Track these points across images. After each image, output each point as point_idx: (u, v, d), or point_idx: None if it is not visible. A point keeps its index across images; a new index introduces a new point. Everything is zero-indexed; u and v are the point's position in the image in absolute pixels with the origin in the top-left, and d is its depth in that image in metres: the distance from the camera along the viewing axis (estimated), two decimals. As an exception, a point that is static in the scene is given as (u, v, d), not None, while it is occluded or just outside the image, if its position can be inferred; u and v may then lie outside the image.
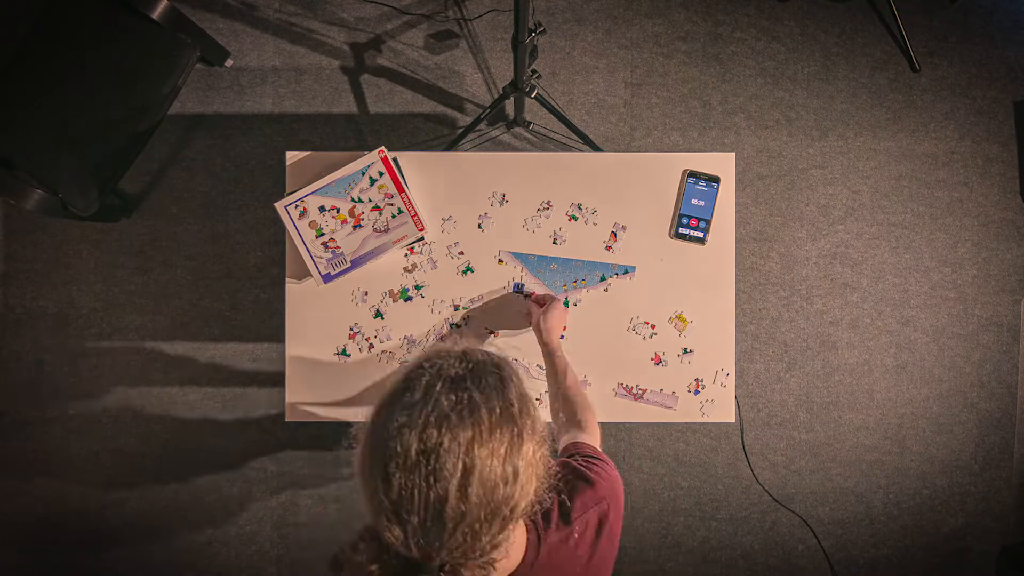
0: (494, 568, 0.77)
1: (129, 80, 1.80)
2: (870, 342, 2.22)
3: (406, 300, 1.51)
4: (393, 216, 1.46)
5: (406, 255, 1.51)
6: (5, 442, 2.21)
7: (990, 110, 2.23)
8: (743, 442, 2.20)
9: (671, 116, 2.22)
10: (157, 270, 2.20)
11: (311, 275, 1.47)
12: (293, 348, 1.51)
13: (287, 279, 1.51)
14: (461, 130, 2.09)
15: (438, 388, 0.74)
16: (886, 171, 2.23)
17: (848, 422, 2.23)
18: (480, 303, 1.50)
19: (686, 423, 2.19)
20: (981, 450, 2.24)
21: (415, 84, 2.21)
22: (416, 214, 1.46)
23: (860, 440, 2.23)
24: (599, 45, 2.22)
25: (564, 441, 1.15)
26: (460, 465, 0.70)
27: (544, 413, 1.42)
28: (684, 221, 1.50)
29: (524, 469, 0.74)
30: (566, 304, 1.50)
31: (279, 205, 1.45)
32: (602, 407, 1.49)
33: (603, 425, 1.20)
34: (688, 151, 2.14)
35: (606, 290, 1.50)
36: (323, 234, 1.46)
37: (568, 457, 1.04)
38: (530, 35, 1.55)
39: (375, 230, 1.46)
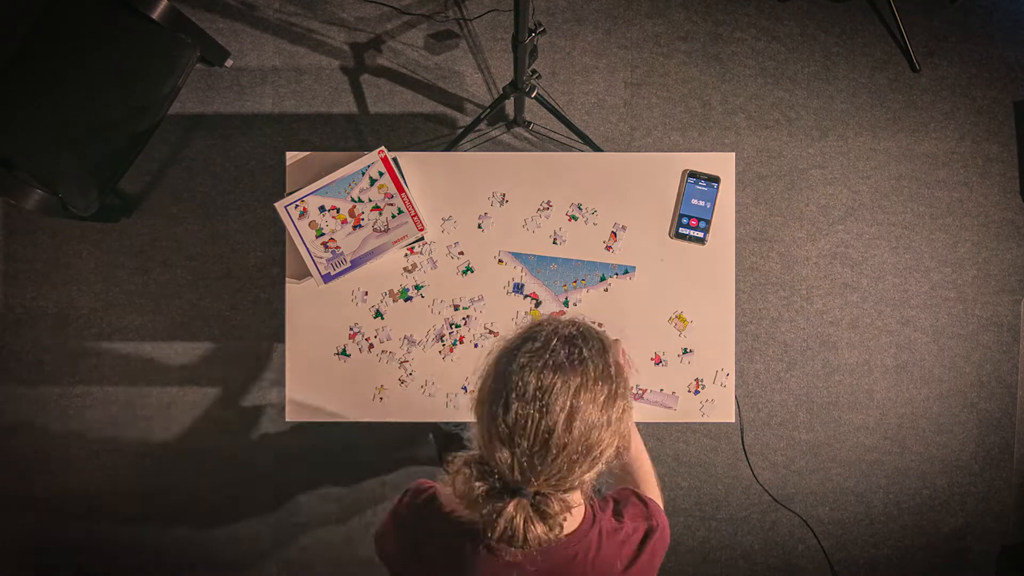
0: (570, 511, 0.89)
1: (129, 80, 1.80)
2: (870, 342, 2.22)
3: (406, 300, 1.51)
4: (393, 216, 1.46)
5: (406, 255, 1.51)
6: (5, 442, 2.21)
7: (990, 110, 2.23)
8: (743, 442, 2.20)
9: (671, 116, 2.22)
10: (157, 270, 2.20)
11: (311, 275, 1.47)
12: (293, 348, 1.51)
13: (287, 279, 1.51)
14: (461, 130, 2.09)
15: (555, 341, 0.88)
16: (886, 171, 2.23)
17: (848, 422, 2.23)
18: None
19: (686, 423, 2.19)
20: (981, 450, 2.24)
21: (415, 84, 2.21)
22: (416, 214, 1.46)
23: (860, 440, 2.23)
24: (599, 45, 2.22)
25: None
26: (568, 404, 0.83)
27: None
28: (684, 221, 1.50)
29: (615, 421, 0.87)
30: (565, 304, 1.50)
31: (279, 205, 1.45)
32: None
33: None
34: (688, 151, 2.14)
35: (606, 290, 1.50)
36: (323, 234, 1.46)
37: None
38: (530, 35, 1.55)
39: (375, 230, 1.46)
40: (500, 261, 1.51)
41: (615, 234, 1.51)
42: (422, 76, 2.21)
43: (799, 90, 2.23)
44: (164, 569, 2.22)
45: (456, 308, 1.51)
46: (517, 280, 1.51)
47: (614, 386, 0.88)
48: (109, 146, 1.79)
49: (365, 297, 1.51)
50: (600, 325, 1.48)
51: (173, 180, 2.20)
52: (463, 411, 1.50)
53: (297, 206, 1.45)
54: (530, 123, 2.17)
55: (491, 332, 1.50)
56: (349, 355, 1.51)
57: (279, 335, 2.17)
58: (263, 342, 2.19)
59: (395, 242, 1.46)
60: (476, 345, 1.50)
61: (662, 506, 1.15)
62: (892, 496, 2.24)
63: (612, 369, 0.89)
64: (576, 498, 0.92)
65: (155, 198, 2.20)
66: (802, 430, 2.23)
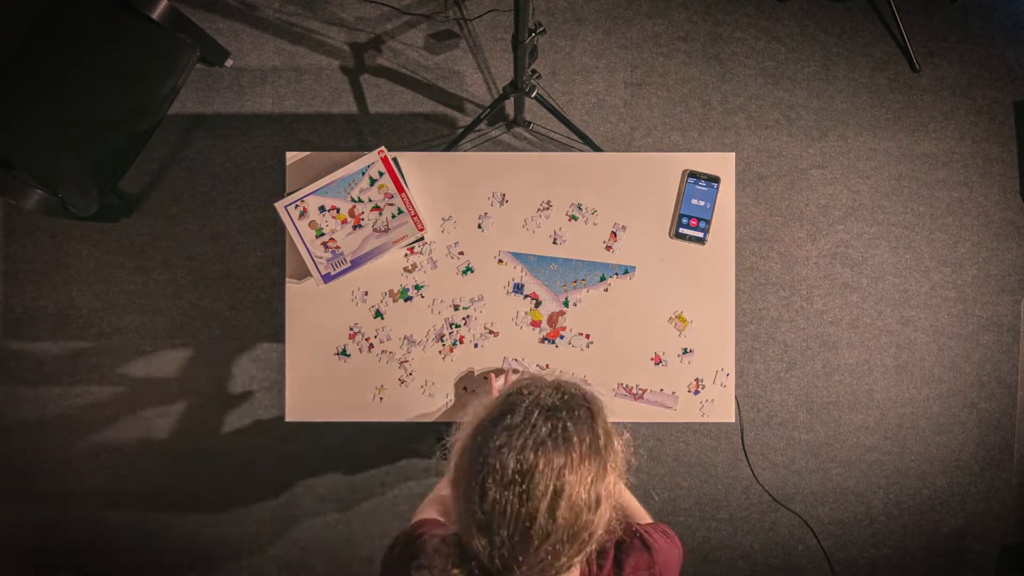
0: None
1: (129, 80, 1.80)
2: (870, 342, 2.22)
3: (406, 300, 1.51)
4: (393, 216, 1.46)
5: (406, 255, 1.51)
6: (5, 442, 2.21)
7: (990, 110, 2.23)
8: (743, 442, 2.20)
9: (671, 116, 2.22)
10: (157, 270, 2.20)
11: (311, 275, 1.47)
12: (293, 348, 1.51)
13: (287, 279, 1.51)
14: (461, 130, 2.09)
15: (536, 415, 0.79)
16: (886, 171, 2.23)
17: (848, 422, 2.23)
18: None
19: (686, 423, 2.19)
20: (981, 450, 2.24)
21: (415, 84, 2.21)
22: (416, 214, 1.46)
23: (860, 440, 2.23)
24: (599, 45, 2.22)
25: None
26: (551, 487, 0.75)
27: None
28: (684, 221, 1.50)
29: (605, 499, 0.79)
30: (565, 304, 1.50)
31: (279, 205, 1.45)
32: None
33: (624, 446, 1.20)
34: (688, 151, 2.14)
35: (606, 290, 1.50)
36: (323, 234, 1.46)
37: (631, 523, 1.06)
38: (530, 35, 1.55)
39: (375, 230, 1.46)
40: (500, 261, 1.51)
41: (615, 234, 1.50)
42: (422, 76, 2.21)
43: (799, 90, 2.23)
44: (164, 569, 2.22)
45: (456, 308, 1.51)
46: (517, 280, 1.51)
47: (603, 460, 0.80)
48: (109, 146, 1.79)
49: (365, 297, 1.51)
50: (585, 379, 1.45)
51: (173, 180, 2.20)
52: (462, 410, 1.50)
53: (297, 206, 1.45)
54: (530, 123, 2.17)
55: (491, 332, 1.50)
56: (349, 355, 1.51)
57: (279, 335, 2.17)
58: (263, 342, 2.19)
59: (395, 242, 1.46)
60: (476, 345, 1.50)
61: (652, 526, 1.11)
62: (892, 496, 2.24)
63: (601, 440, 0.81)
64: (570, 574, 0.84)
65: (155, 198, 2.20)
66: (802, 430, 2.23)
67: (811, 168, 2.23)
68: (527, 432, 0.78)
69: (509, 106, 2.18)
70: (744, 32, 2.23)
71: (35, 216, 2.18)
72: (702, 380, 1.50)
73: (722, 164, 1.51)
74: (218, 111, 2.20)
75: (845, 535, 2.24)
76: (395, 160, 1.47)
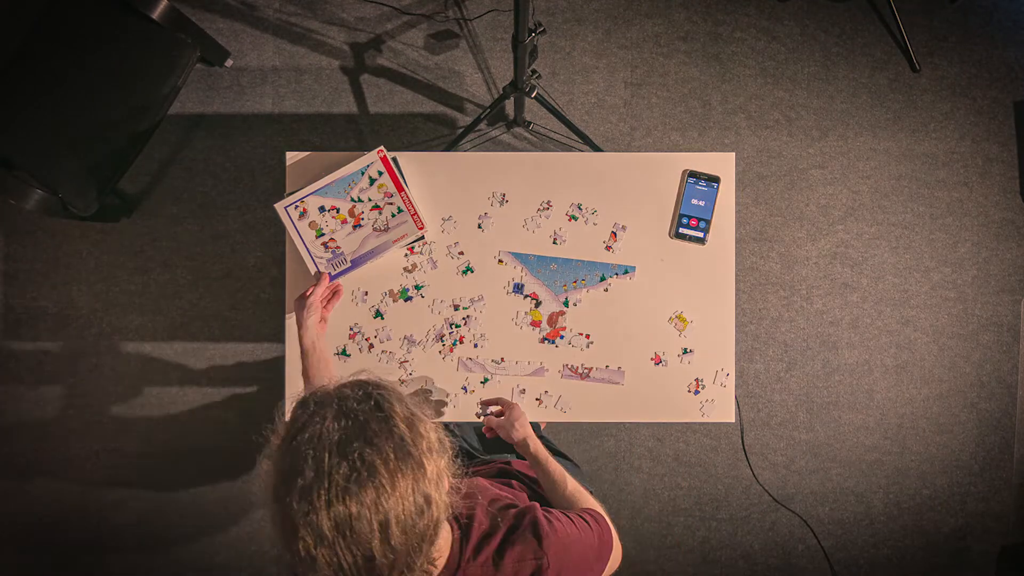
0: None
1: (129, 80, 1.80)
2: (870, 342, 2.22)
3: (406, 300, 1.51)
4: (393, 215, 1.46)
5: (406, 255, 1.51)
6: (5, 442, 2.21)
7: (990, 110, 2.23)
8: (743, 442, 2.20)
9: (671, 116, 2.22)
10: (157, 270, 2.20)
11: (311, 276, 1.47)
12: (293, 348, 1.51)
13: (292, 279, 1.51)
14: (461, 130, 2.09)
15: (327, 460, 0.72)
16: (886, 171, 2.23)
17: (848, 422, 2.23)
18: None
19: (686, 423, 2.19)
20: (981, 450, 2.24)
21: (415, 84, 2.21)
22: (416, 213, 1.46)
23: (860, 440, 2.23)
24: (599, 45, 2.22)
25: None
26: (375, 522, 0.71)
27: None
28: (684, 221, 1.50)
29: (435, 488, 0.76)
30: (566, 304, 1.50)
31: (279, 206, 1.45)
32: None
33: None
34: (688, 151, 2.14)
35: (606, 290, 1.50)
36: (323, 234, 1.46)
37: (541, 507, 1.00)
38: (530, 35, 1.55)
39: (375, 229, 1.46)
40: (500, 261, 1.51)
41: (615, 234, 1.50)
42: (422, 76, 2.21)
43: (799, 90, 2.23)
44: (164, 569, 2.22)
45: (456, 308, 1.51)
46: (517, 280, 1.51)
47: (415, 459, 0.74)
48: (109, 146, 1.79)
49: (365, 297, 1.51)
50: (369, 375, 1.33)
51: (173, 180, 2.20)
52: (462, 410, 1.50)
53: (297, 207, 1.45)
54: (530, 123, 2.17)
55: (501, 360, 1.50)
56: (349, 355, 1.51)
57: (279, 335, 2.17)
58: (263, 342, 2.19)
59: (395, 241, 1.46)
60: (475, 345, 1.50)
61: (602, 511, 1.06)
62: (892, 496, 2.24)
63: (407, 440, 0.75)
64: (437, 545, 0.81)
65: (155, 198, 2.20)
66: (802, 430, 2.23)
67: (811, 168, 2.23)
68: (325, 485, 0.71)
69: (509, 106, 2.18)
70: (744, 32, 2.23)
71: (35, 216, 2.18)
72: (702, 380, 1.50)
73: (722, 164, 1.51)
74: (218, 111, 2.20)
75: (845, 535, 2.24)
76: (395, 160, 1.47)
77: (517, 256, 1.51)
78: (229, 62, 2.19)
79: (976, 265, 2.23)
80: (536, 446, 1.22)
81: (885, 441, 2.23)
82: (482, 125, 2.14)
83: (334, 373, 1.34)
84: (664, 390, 1.50)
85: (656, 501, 2.22)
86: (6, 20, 1.75)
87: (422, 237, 1.48)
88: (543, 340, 1.50)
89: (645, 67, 2.22)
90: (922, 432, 2.24)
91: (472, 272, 1.50)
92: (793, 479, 2.23)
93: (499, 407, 1.35)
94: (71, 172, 1.77)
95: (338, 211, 1.45)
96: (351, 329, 1.51)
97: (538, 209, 1.51)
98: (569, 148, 2.17)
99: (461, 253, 1.51)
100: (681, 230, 1.50)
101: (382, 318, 1.51)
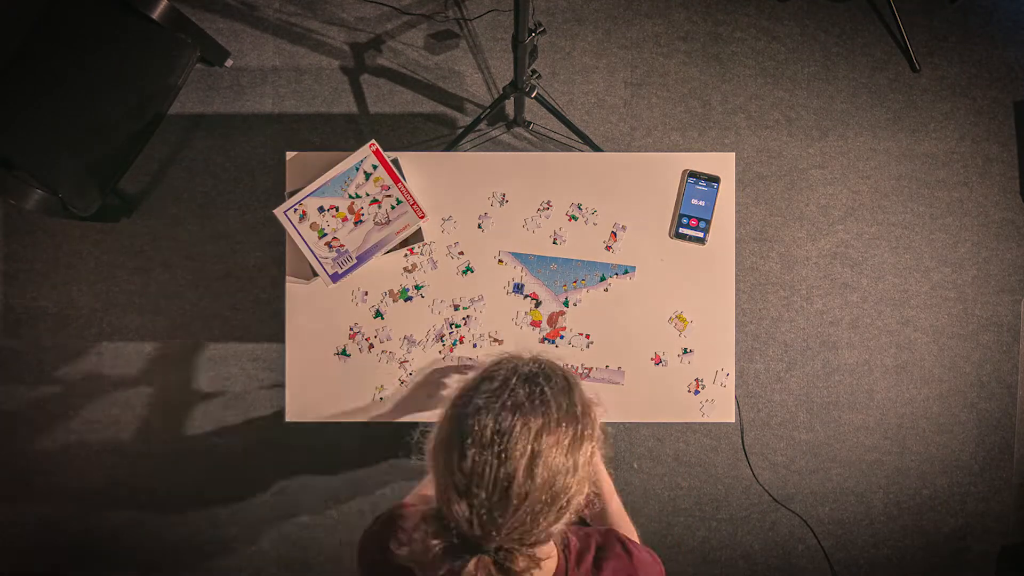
0: (539, 566, 0.82)
1: (129, 80, 1.80)
2: (870, 342, 2.22)
3: (406, 300, 1.51)
4: (392, 207, 1.46)
5: (406, 255, 1.51)
6: (5, 442, 2.21)
7: (990, 110, 2.23)
8: (743, 442, 2.20)
9: (671, 116, 2.22)
10: (157, 270, 2.20)
11: (317, 276, 1.47)
12: (293, 348, 1.51)
13: (292, 279, 1.51)
14: (461, 130, 2.09)
15: (514, 380, 0.81)
16: (886, 171, 2.23)
17: (848, 422, 2.23)
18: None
19: (686, 423, 2.19)
20: (981, 450, 2.24)
21: (415, 84, 2.21)
22: (415, 202, 1.46)
23: (860, 440, 2.23)
24: (599, 45, 2.22)
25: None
26: (529, 448, 0.76)
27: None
28: (684, 221, 1.50)
29: (582, 466, 0.80)
30: (566, 304, 1.50)
31: (278, 211, 1.45)
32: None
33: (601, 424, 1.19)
34: (688, 151, 2.14)
35: (606, 290, 1.50)
36: (325, 234, 1.46)
37: (613, 530, 1.05)
38: (530, 35, 1.55)
39: (376, 223, 1.46)
40: (500, 261, 1.51)
41: (615, 234, 1.50)
42: (422, 76, 2.21)
43: (799, 90, 2.23)
44: (163, 569, 2.22)
45: (456, 308, 1.51)
46: (517, 280, 1.51)
47: (580, 427, 0.81)
48: (109, 146, 1.79)
49: (365, 297, 1.51)
50: (591, 370, 1.47)
51: (173, 180, 2.20)
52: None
53: (296, 209, 1.45)
54: (530, 123, 2.17)
55: (496, 340, 1.50)
56: (349, 355, 1.51)
57: (279, 335, 2.17)
58: (263, 342, 2.19)
59: (398, 232, 1.46)
60: (475, 345, 1.50)
61: (638, 542, 1.10)
62: (892, 496, 2.24)
63: (578, 409, 0.82)
64: (546, 550, 0.85)
65: (155, 198, 2.20)
66: (802, 430, 2.23)
67: (811, 168, 2.23)
68: (505, 396, 0.79)
69: (509, 106, 2.18)
70: (744, 32, 2.23)
71: (35, 216, 2.18)
72: (702, 380, 1.50)
73: (722, 164, 1.51)
74: (218, 111, 2.20)
75: (845, 535, 2.24)
76: (395, 161, 1.47)
77: (517, 256, 1.51)
78: (229, 62, 2.19)
79: (976, 265, 2.23)
80: (608, 483, 1.23)
81: (885, 441, 2.23)
82: (482, 125, 2.14)
83: None
84: (664, 390, 1.50)
85: (656, 501, 2.22)
86: (6, 20, 1.75)
87: (423, 239, 1.47)
88: (543, 340, 1.50)
89: (645, 67, 2.22)
90: (922, 432, 2.24)
91: (472, 272, 1.50)
92: (793, 479, 2.23)
93: None
94: (71, 172, 1.77)
95: (337, 210, 1.45)
96: (351, 329, 1.51)
97: (538, 209, 1.51)
98: (569, 148, 2.17)
99: (461, 253, 1.51)
100: (681, 230, 1.50)
101: (382, 318, 1.51)
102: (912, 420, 2.23)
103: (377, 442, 2.19)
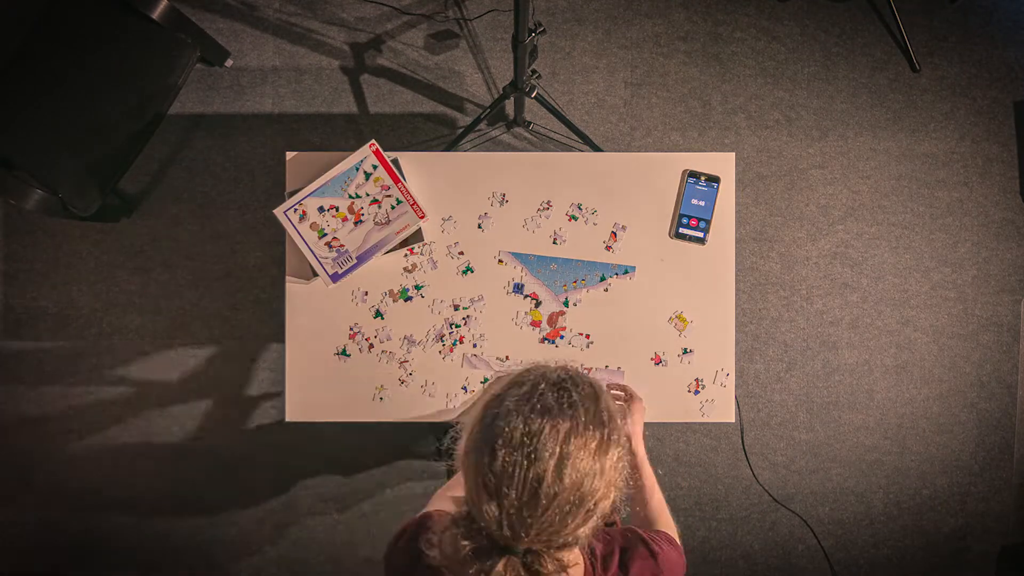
0: (566, 571, 0.83)
1: (129, 80, 1.80)
2: (870, 342, 2.22)
3: (406, 300, 1.51)
4: (392, 207, 1.46)
5: (406, 255, 1.51)
6: (5, 442, 2.21)
7: (990, 110, 2.23)
8: (743, 442, 2.20)
9: (671, 116, 2.22)
10: (157, 270, 2.20)
11: (317, 275, 1.47)
12: (293, 348, 1.51)
13: (292, 279, 1.51)
14: (461, 130, 2.09)
15: (543, 386, 0.84)
16: (886, 171, 2.23)
17: (848, 422, 2.23)
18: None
19: (686, 423, 2.19)
20: (981, 450, 2.24)
21: (415, 84, 2.21)
22: (415, 202, 1.46)
23: (860, 440, 2.23)
24: (599, 45, 2.22)
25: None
26: (558, 450, 0.78)
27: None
28: (684, 221, 1.50)
29: (608, 470, 0.82)
30: (566, 304, 1.50)
31: (279, 212, 1.45)
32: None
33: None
34: (688, 151, 2.14)
35: (606, 290, 1.50)
36: (325, 234, 1.46)
37: (638, 527, 1.07)
38: (530, 35, 1.55)
39: (376, 223, 1.46)
40: (500, 261, 1.51)
41: (615, 234, 1.51)
42: (422, 76, 2.21)
43: (799, 90, 2.23)
44: (163, 569, 2.22)
45: (456, 308, 1.51)
46: (517, 280, 1.51)
47: (607, 432, 0.83)
48: (109, 146, 1.79)
49: (365, 297, 1.51)
50: (590, 370, 1.48)
51: (173, 180, 2.20)
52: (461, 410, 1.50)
53: (296, 210, 1.45)
54: (530, 123, 2.17)
55: (506, 359, 1.50)
56: (349, 355, 1.51)
57: (279, 335, 2.17)
58: (263, 342, 2.19)
59: (398, 232, 1.46)
60: (475, 345, 1.50)
61: (677, 539, 1.11)
62: (892, 496, 2.24)
63: (604, 415, 0.85)
64: (572, 556, 0.87)
65: (155, 198, 2.20)
66: (802, 430, 2.23)
67: (811, 168, 2.23)
68: (534, 400, 0.82)
69: (509, 106, 2.18)
70: (744, 32, 2.23)
71: (35, 216, 2.18)
72: (702, 380, 1.51)
73: (722, 164, 1.51)
74: (218, 111, 2.20)
75: (845, 535, 2.24)
76: (395, 162, 1.47)
77: (517, 256, 1.51)
78: (229, 62, 2.19)
79: (976, 265, 2.23)
80: (640, 447, 1.24)
81: (885, 441, 2.23)
82: (482, 125, 2.14)
83: None
84: (664, 390, 1.50)
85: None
86: (6, 20, 1.75)
87: (422, 239, 1.47)
88: (543, 340, 1.50)
89: (645, 67, 2.22)
90: (922, 432, 2.24)
91: (472, 272, 1.51)
92: (793, 479, 2.23)
93: (622, 392, 1.34)
94: (71, 172, 1.77)
95: (337, 210, 1.46)
96: (351, 329, 1.51)
97: (538, 209, 1.51)
98: (569, 148, 2.17)
99: (461, 253, 1.51)
100: (681, 230, 1.50)
101: (382, 318, 1.51)
102: (912, 420, 2.23)
103: (377, 442, 2.19)
